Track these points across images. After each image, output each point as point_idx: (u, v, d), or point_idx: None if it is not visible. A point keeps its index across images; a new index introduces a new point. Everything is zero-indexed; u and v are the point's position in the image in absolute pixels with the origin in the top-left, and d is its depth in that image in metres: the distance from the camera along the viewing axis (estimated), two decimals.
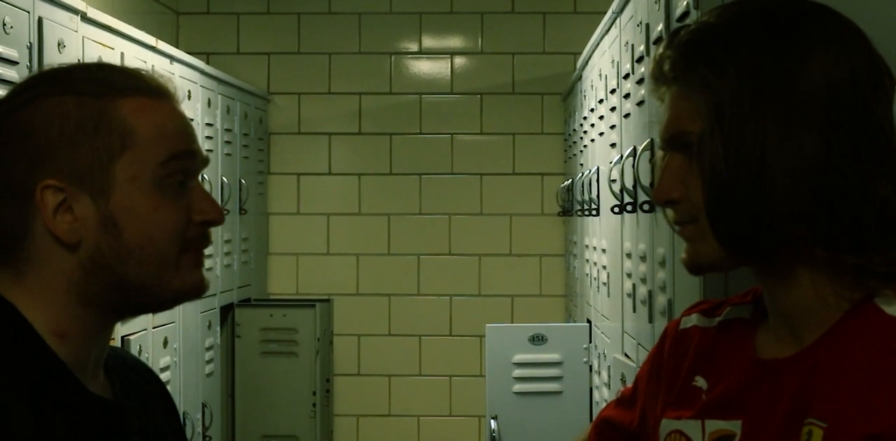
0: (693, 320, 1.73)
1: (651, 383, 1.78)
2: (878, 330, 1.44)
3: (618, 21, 4.02)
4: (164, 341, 4.90)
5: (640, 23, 3.37)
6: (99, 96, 1.56)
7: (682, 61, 1.52)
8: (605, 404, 4.50)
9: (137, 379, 1.75)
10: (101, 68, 1.63)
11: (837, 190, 1.44)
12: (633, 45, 3.58)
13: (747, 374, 1.57)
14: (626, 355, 3.77)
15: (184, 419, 5.17)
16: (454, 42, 7.46)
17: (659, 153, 1.62)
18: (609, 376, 4.26)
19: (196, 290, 1.62)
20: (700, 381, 1.64)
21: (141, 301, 1.60)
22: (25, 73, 3.54)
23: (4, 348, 1.51)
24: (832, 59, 1.46)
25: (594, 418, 2.00)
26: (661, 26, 2.98)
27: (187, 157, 1.60)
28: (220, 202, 5.84)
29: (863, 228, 1.45)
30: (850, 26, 1.51)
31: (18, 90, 1.59)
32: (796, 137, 1.44)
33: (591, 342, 5.29)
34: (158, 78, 1.62)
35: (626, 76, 3.74)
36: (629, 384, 1.93)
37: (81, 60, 3.95)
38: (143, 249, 1.55)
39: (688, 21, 2.64)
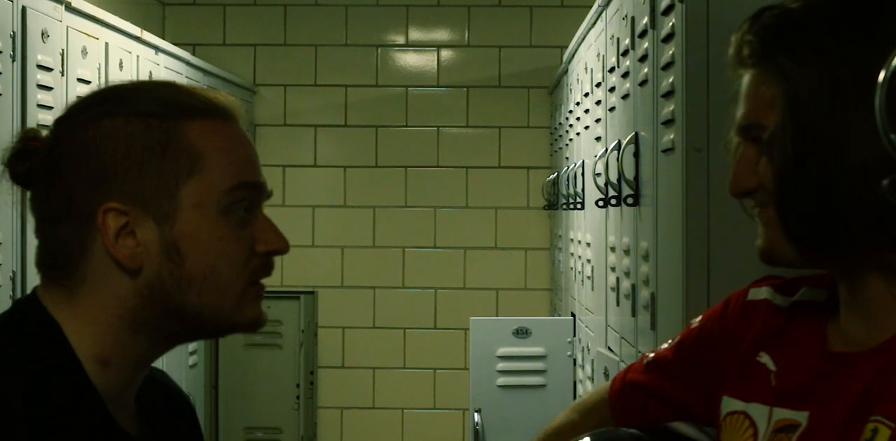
0: (764, 293, 1.69)
1: (704, 349, 1.74)
2: None
3: (604, 14, 4.01)
4: None
5: (626, 16, 3.37)
6: (166, 118, 1.51)
7: (761, 48, 1.49)
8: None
9: (167, 408, 1.68)
10: (168, 87, 1.58)
11: None
12: (618, 39, 3.58)
13: (818, 366, 1.54)
14: (609, 349, 3.77)
15: None
16: (441, 35, 7.45)
17: (734, 140, 1.56)
18: (593, 370, 4.26)
19: (255, 324, 1.56)
20: (765, 358, 1.61)
21: (194, 331, 1.56)
22: (8, 63, 3.52)
23: (40, 374, 1.45)
24: None
25: (610, 384, 1.93)
26: (646, 19, 2.98)
27: (254, 188, 1.56)
28: None
29: None
30: None
31: (80, 108, 1.54)
32: (872, 138, 1.36)
33: (575, 336, 5.30)
34: (224, 98, 1.58)
35: (612, 70, 3.74)
36: (611, 374, 1.90)
37: (66, 51, 3.94)
38: (206, 280, 1.50)
39: (672, 15, 2.64)
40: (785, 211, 1.46)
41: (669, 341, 1.86)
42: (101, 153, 1.49)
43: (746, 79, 1.53)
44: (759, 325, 1.66)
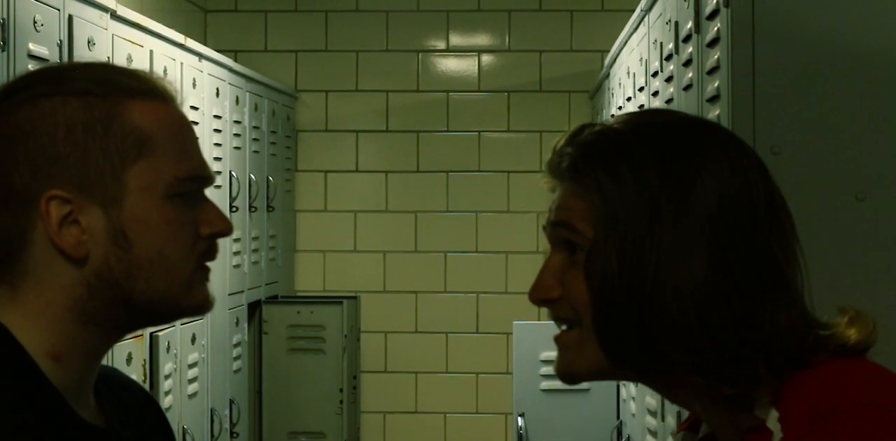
0: (680, 438, 1.65)
1: None
2: None
3: (646, 19, 4.02)
4: (193, 338, 4.92)
5: (669, 21, 3.37)
6: (105, 96, 1.46)
7: (581, 162, 1.47)
8: (631, 401, 4.50)
9: (129, 399, 1.62)
10: (103, 67, 1.53)
11: (721, 319, 1.39)
12: (661, 43, 3.58)
13: None
14: None
15: (211, 415, 5.19)
16: (481, 40, 7.46)
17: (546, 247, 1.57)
18: None
19: (202, 307, 1.53)
20: None
21: (144, 318, 1.52)
22: None
23: None
24: (733, 187, 1.42)
25: None
26: (690, 24, 2.99)
27: (205, 181, 1.53)
28: (247, 199, 5.87)
29: (744, 361, 1.39)
30: (752, 155, 1.48)
31: (10, 90, 1.47)
32: (689, 259, 1.40)
33: None
34: (160, 79, 1.53)
35: (655, 74, 3.74)
36: None
37: (111, 58, 3.97)
38: (154, 265, 1.46)
39: (717, 19, 2.65)
40: (603, 325, 1.44)
41: None
42: (39, 135, 1.43)
43: (560, 192, 1.52)
44: None
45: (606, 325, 1.43)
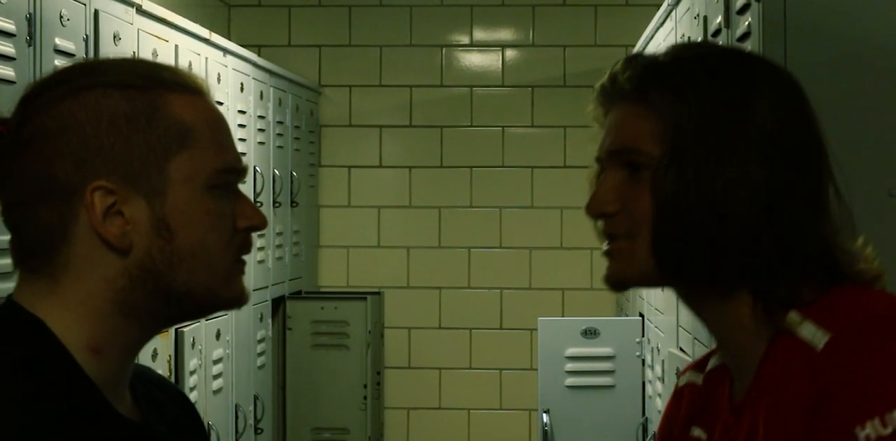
0: (686, 378, 1.75)
1: None
2: (796, 359, 1.47)
3: (673, 13, 4.00)
4: (217, 333, 4.92)
5: (698, 15, 3.35)
6: (145, 89, 1.47)
7: (645, 79, 1.54)
8: (657, 398, 4.49)
9: (163, 397, 1.63)
10: (140, 62, 1.55)
11: (787, 228, 1.48)
12: (689, 38, 3.56)
13: (726, 421, 1.59)
14: (681, 349, 3.75)
15: (236, 411, 5.20)
16: (505, 34, 7.44)
17: (592, 169, 1.63)
18: (663, 370, 4.25)
19: (239, 300, 1.54)
20: (697, 432, 1.66)
21: (182, 311, 1.52)
22: None
23: (32, 371, 1.41)
24: (788, 114, 1.52)
25: None
26: (719, 18, 2.97)
27: (241, 174, 1.55)
28: (272, 195, 5.87)
29: (798, 267, 1.49)
30: (800, 88, 1.57)
31: (49, 84, 1.48)
32: (753, 174, 1.48)
33: (643, 336, 5.28)
34: (194, 75, 1.54)
35: None
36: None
37: (137, 53, 3.97)
38: (195, 256, 1.47)
39: (748, 14, 2.63)
40: (666, 239, 1.51)
41: None
42: (82, 126, 1.44)
43: (617, 112, 1.57)
44: (686, 406, 1.71)
45: (668, 237, 1.50)
